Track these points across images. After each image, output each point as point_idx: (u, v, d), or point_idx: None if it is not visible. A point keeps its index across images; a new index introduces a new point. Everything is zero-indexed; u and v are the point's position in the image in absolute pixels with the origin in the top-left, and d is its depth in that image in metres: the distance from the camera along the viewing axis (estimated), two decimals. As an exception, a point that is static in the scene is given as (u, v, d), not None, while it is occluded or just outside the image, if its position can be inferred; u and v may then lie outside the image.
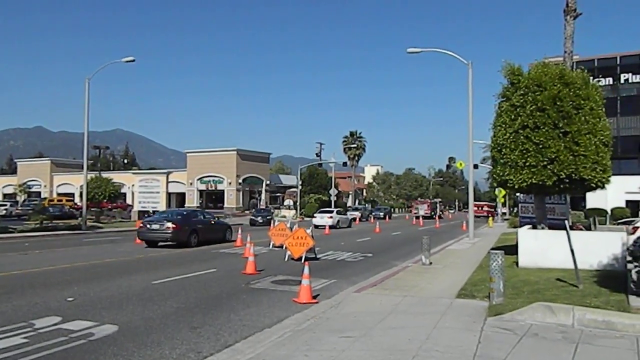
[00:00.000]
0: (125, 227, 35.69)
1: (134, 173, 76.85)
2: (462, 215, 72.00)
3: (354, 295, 10.38)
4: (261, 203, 68.01)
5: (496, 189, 47.53)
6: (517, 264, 13.86)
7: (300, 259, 15.42)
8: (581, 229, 19.43)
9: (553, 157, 13.46)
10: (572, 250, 10.43)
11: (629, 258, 11.67)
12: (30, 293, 10.38)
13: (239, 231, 23.78)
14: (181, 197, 70.48)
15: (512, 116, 14.30)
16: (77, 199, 62.77)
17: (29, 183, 74.51)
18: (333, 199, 60.64)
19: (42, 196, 72.07)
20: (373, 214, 61.07)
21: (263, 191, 71.97)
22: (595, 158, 13.50)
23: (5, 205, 52.37)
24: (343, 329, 7.53)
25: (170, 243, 21.10)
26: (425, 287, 11.30)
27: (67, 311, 8.74)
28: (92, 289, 11.00)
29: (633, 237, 11.77)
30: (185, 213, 24.11)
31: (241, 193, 68.56)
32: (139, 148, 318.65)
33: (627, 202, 41.68)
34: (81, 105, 32.38)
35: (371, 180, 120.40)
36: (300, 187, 65.65)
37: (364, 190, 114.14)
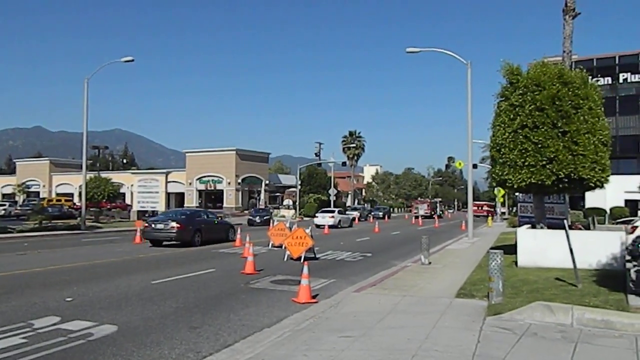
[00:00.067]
0: (124, 227, 35.65)
1: (133, 173, 76.83)
2: (461, 214, 72.04)
3: (353, 295, 10.38)
4: (260, 203, 68.02)
5: (495, 189, 47.54)
6: (516, 263, 13.87)
7: (299, 258, 15.43)
8: (580, 229, 19.47)
9: (552, 156, 13.47)
10: (571, 250, 10.44)
11: (627, 257, 11.68)
12: (29, 293, 10.37)
13: (238, 231, 23.81)
14: (180, 197, 70.46)
15: (511, 116, 14.31)
16: (76, 199, 62.65)
17: (28, 183, 74.34)
18: (332, 198, 60.63)
19: (41, 196, 72.05)
20: (372, 213, 61.08)
21: (262, 191, 71.97)
22: (594, 157, 13.51)
23: (4, 205, 52.31)
24: (342, 329, 7.53)
25: (174, 242, 21.39)
26: (424, 286, 11.30)
27: (66, 311, 8.73)
28: (91, 289, 10.99)
29: (632, 237, 11.78)
30: (189, 213, 24.53)
31: (240, 193, 68.56)
32: (138, 148, 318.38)
33: (626, 201, 41.69)
34: (80, 105, 32.35)
35: (370, 180, 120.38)
36: (299, 187, 65.63)
37: (363, 190, 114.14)
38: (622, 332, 7.18)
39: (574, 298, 9.04)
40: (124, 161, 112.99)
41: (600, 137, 13.81)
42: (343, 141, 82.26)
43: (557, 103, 13.66)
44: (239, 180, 67.78)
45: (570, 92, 13.75)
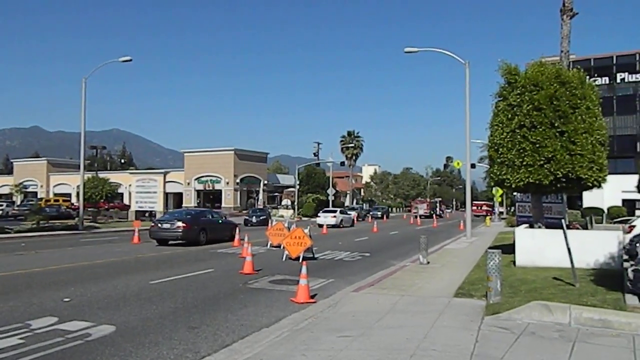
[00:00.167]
0: (122, 227, 35.63)
1: (131, 173, 76.74)
2: (460, 214, 72.11)
3: (352, 294, 10.38)
4: (259, 203, 67.97)
5: (493, 188, 47.62)
6: (514, 263, 13.90)
7: (298, 258, 15.43)
8: (578, 228, 19.51)
9: (550, 156, 13.50)
10: (568, 249, 10.46)
11: (625, 257, 11.74)
12: (27, 293, 10.34)
13: (237, 231, 23.81)
14: (178, 197, 70.32)
15: (509, 115, 14.34)
16: (74, 199, 62.51)
17: (25, 183, 74.08)
18: (331, 198, 60.66)
19: (39, 196, 71.78)
20: (371, 213, 61.13)
21: (261, 191, 71.92)
22: (591, 157, 13.55)
23: (2, 205, 52.12)
24: (341, 329, 7.54)
25: (180, 242, 21.79)
26: (423, 286, 11.31)
27: (64, 312, 8.71)
28: (89, 289, 10.97)
29: (629, 236, 11.82)
30: (194, 213, 25.50)
31: (239, 193, 68.49)
32: (136, 148, 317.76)
33: (624, 201, 41.82)
34: (78, 105, 32.21)
35: (369, 180, 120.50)
36: (297, 186, 65.62)
37: (362, 190, 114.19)
38: (619, 331, 7.20)
39: (571, 297, 9.06)
40: (122, 161, 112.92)
41: (598, 136, 13.85)
42: (341, 141, 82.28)
43: (554, 103, 13.70)
44: (238, 180, 67.72)
45: (567, 92, 13.79)
